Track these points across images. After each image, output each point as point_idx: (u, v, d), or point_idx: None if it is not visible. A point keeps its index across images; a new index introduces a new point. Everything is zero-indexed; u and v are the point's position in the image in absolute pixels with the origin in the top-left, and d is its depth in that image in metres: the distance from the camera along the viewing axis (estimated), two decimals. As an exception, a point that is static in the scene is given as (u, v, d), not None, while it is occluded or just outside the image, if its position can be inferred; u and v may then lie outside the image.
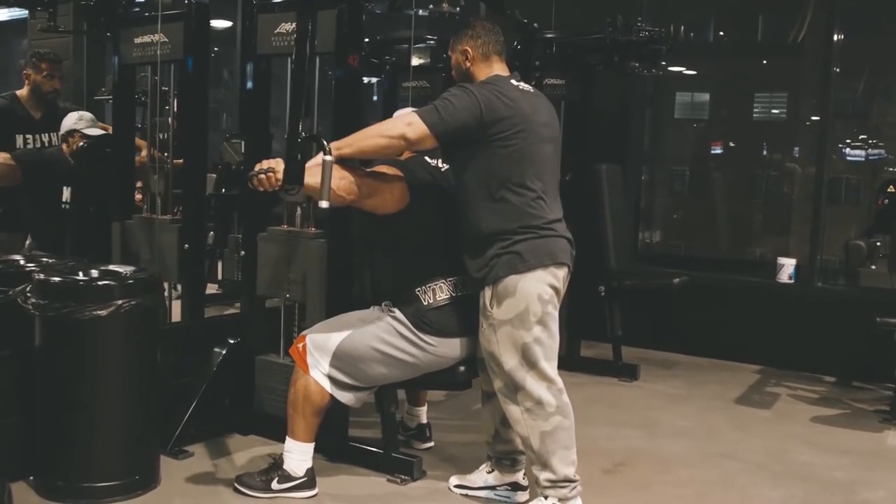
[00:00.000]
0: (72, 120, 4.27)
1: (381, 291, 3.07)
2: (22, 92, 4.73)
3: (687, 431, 4.07)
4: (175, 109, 4.01)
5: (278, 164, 2.69)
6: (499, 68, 2.93)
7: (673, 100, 7.44)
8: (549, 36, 4.99)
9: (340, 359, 2.93)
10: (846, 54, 5.64)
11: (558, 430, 2.76)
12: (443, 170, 3.09)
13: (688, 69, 7.12)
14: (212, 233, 5.03)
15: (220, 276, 5.52)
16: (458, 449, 3.59)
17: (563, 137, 3.02)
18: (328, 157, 2.60)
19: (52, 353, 2.93)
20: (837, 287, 5.67)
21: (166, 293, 3.80)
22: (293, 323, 3.58)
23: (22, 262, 3.42)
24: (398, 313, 2.95)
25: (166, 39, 3.68)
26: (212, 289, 5.06)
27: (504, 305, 2.75)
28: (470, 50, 2.92)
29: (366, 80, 5.51)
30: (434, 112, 2.73)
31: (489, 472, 3.12)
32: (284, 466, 3.01)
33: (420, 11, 4.08)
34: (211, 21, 3.96)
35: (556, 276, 2.80)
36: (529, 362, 2.75)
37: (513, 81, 2.87)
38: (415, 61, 5.03)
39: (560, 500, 2.77)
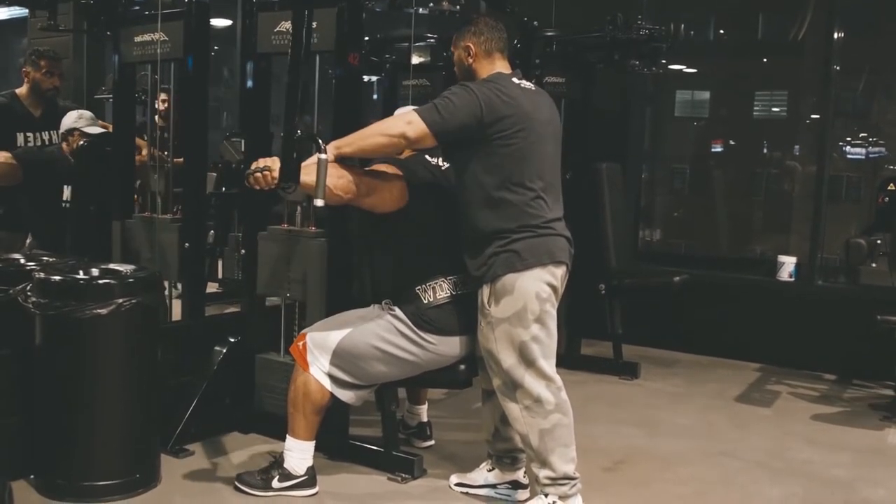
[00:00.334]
0: (72, 118, 4.27)
1: (381, 290, 3.07)
2: (21, 90, 4.73)
3: (687, 430, 4.08)
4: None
5: (274, 163, 2.69)
6: (501, 65, 2.93)
7: (673, 98, 7.42)
8: (550, 34, 4.99)
9: (340, 357, 2.93)
10: (846, 53, 5.63)
11: (557, 428, 2.76)
12: (443, 168, 3.09)
13: (688, 67, 7.10)
14: (212, 231, 5.02)
15: (220, 275, 5.50)
16: (458, 447, 3.59)
17: (563, 136, 3.02)
18: (323, 156, 2.59)
19: (53, 352, 2.93)
20: (838, 285, 5.67)
21: (167, 292, 3.79)
22: (293, 321, 3.59)
23: (22, 261, 3.42)
24: (398, 311, 2.95)
25: (166, 38, 3.68)
26: (212, 287, 5.05)
27: (502, 304, 2.75)
28: (472, 46, 2.91)
29: (366, 78, 5.49)
30: (434, 111, 2.72)
31: (490, 471, 3.13)
32: (285, 465, 3.01)
33: (420, 10, 4.07)
34: (211, 20, 3.96)
35: (555, 275, 2.80)
36: (527, 360, 2.75)
37: (514, 79, 2.87)
38: (415, 60, 5.02)
39: (560, 497, 2.77)
